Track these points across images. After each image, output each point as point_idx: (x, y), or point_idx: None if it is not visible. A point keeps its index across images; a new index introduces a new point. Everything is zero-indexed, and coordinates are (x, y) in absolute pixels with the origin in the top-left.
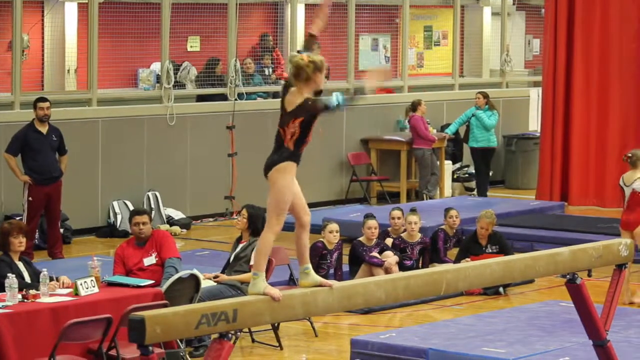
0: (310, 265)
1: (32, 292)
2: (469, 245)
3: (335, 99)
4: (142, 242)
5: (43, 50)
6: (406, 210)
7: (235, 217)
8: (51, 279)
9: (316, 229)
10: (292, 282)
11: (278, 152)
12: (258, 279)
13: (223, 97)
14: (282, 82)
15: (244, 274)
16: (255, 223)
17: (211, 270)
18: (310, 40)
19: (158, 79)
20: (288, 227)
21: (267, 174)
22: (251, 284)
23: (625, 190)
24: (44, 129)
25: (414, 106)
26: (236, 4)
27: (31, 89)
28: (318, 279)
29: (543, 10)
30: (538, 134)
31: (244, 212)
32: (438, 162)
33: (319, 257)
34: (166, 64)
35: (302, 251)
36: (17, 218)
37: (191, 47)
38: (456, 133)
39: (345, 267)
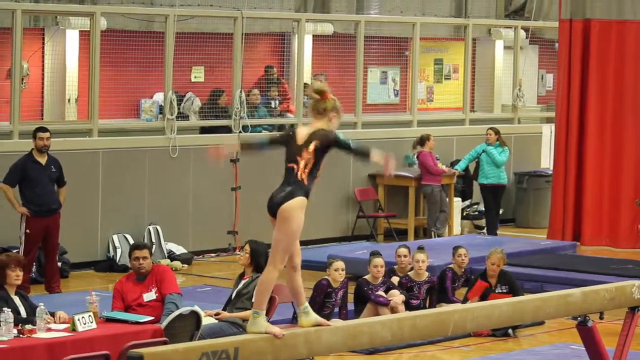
0: (308, 304)
1: (28, 327)
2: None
3: (344, 137)
4: (142, 277)
5: (43, 79)
6: (413, 248)
7: (238, 252)
8: (48, 314)
9: (321, 266)
10: (295, 320)
11: (291, 187)
12: (258, 318)
13: (227, 129)
14: (289, 115)
15: (246, 312)
16: (258, 259)
17: (212, 307)
18: None
19: (161, 109)
20: None
21: (278, 208)
22: (250, 322)
23: None
24: (43, 160)
25: (422, 141)
26: (242, 34)
27: (30, 118)
28: (318, 318)
29: (557, 44)
30: (550, 172)
31: (247, 247)
32: (447, 199)
33: (324, 295)
34: (169, 95)
35: (299, 291)
36: (14, 251)
37: (195, 77)
38: (466, 170)
39: (351, 306)
